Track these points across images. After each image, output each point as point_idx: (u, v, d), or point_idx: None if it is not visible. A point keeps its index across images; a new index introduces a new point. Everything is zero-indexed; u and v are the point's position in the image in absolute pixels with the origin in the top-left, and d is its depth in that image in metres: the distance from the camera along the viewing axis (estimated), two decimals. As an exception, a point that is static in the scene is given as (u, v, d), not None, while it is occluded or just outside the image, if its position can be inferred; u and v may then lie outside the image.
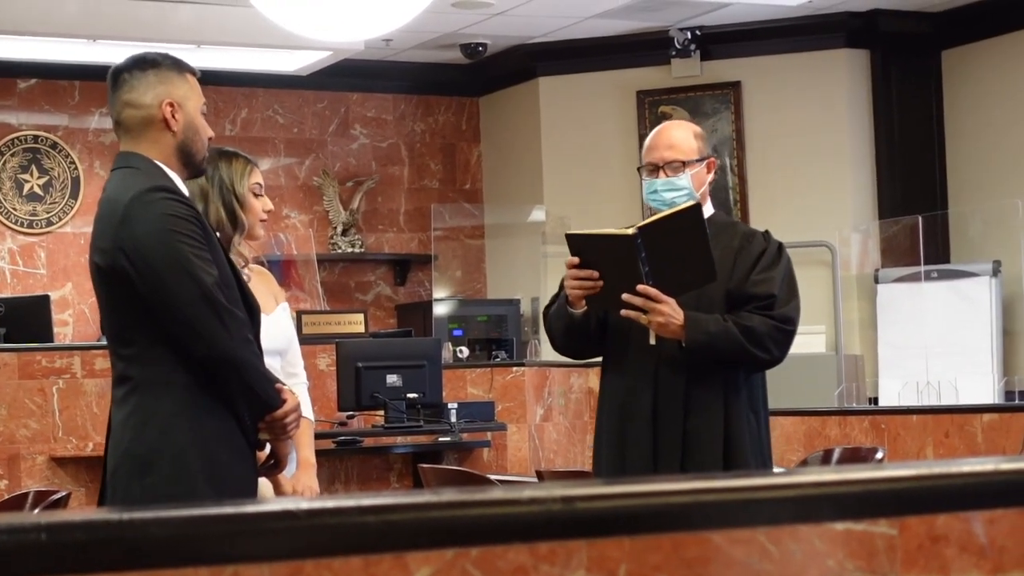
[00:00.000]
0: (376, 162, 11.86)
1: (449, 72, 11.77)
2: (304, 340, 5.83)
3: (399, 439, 7.71)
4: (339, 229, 11.61)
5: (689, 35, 10.80)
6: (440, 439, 7.65)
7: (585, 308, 4.33)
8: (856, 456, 6.03)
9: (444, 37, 10.85)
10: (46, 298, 8.71)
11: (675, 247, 4.20)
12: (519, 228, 11.61)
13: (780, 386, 7.56)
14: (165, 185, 3.66)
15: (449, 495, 1.50)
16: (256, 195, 4.45)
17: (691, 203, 4.30)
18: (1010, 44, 10.31)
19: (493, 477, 5.89)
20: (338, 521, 1.44)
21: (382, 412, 7.50)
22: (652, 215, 4.34)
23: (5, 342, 7.34)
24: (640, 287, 4.19)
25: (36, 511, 4.87)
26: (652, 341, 4.32)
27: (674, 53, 10.87)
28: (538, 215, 11.37)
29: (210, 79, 10.70)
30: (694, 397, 4.32)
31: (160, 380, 3.60)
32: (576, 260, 4.25)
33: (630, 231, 4.19)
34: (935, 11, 10.58)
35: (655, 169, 4.45)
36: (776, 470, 5.85)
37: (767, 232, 4.53)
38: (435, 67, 11.72)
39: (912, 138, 10.77)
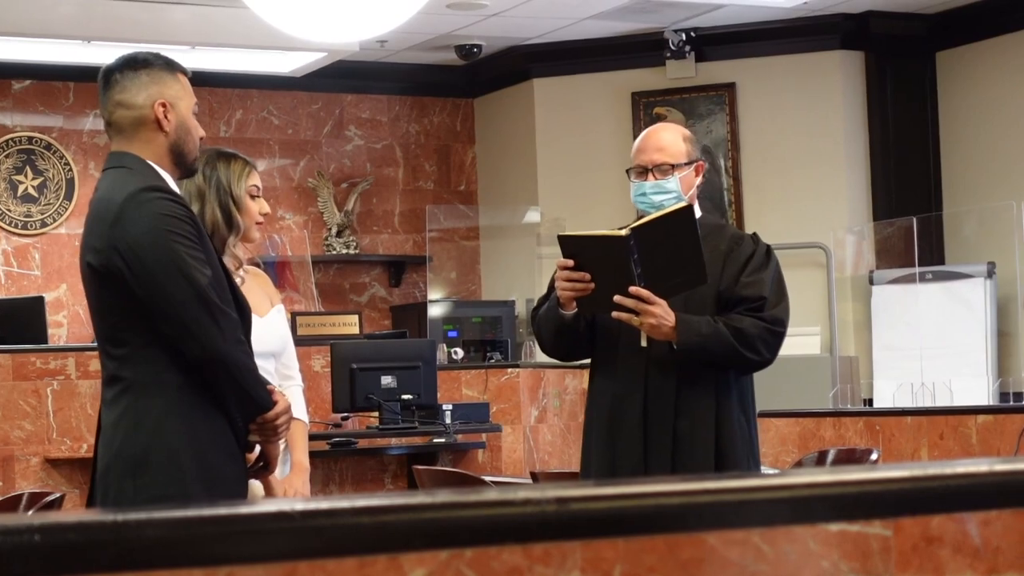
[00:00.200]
0: (371, 163, 11.86)
1: (444, 73, 11.78)
2: (299, 341, 5.82)
3: (394, 440, 7.71)
4: (334, 230, 11.61)
5: (684, 37, 10.81)
6: (435, 440, 7.66)
7: (576, 310, 4.33)
8: (851, 457, 6.03)
9: (439, 38, 10.85)
10: (40, 299, 8.71)
11: (667, 248, 4.20)
12: (514, 229, 11.61)
13: (775, 387, 7.58)
14: (159, 185, 3.66)
15: (443, 496, 1.50)
16: (253, 197, 4.44)
17: (683, 204, 4.30)
18: (1004, 46, 10.32)
19: (488, 478, 5.90)
20: (333, 522, 1.43)
21: (377, 413, 7.51)
22: (643, 217, 4.34)
23: (-1, 343, 7.34)
24: (632, 288, 4.19)
25: (30, 512, 4.87)
26: (643, 343, 4.32)
27: (669, 55, 10.88)
28: (533, 216, 11.37)
29: (205, 80, 10.74)
30: (685, 399, 4.32)
31: (152, 381, 3.60)
32: (569, 262, 4.24)
33: (623, 232, 4.19)
34: (929, 13, 10.59)
35: (644, 171, 4.46)
36: (768, 471, 5.86)
37: (755, 234, 4.55)
38: (430, 68, 11.72)
39: (906, 139, 10.77)
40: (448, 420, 7.55)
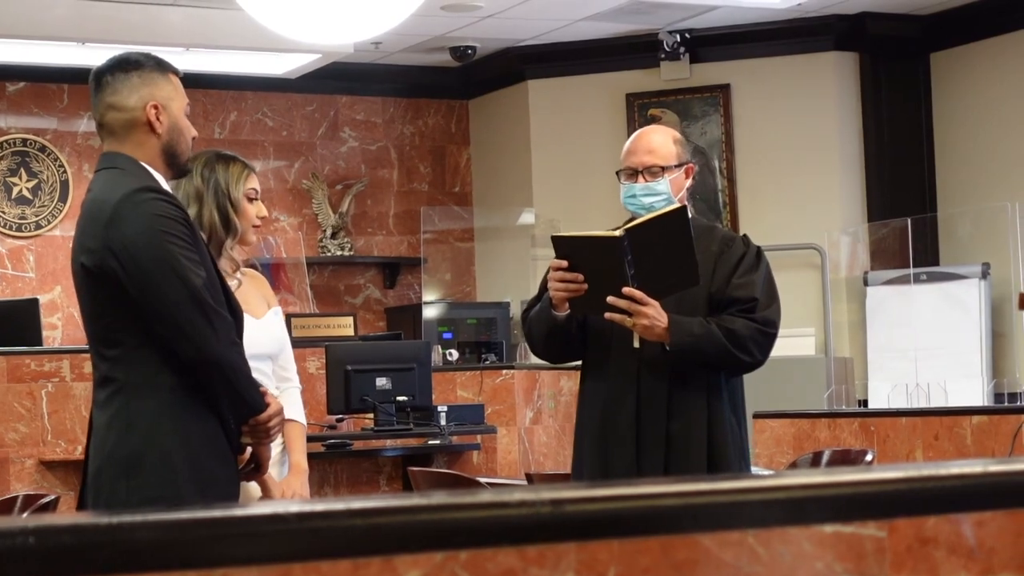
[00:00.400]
0: (365, 165, 11.86)
1: (438, 75, 11.78)
2: (293, 343, 5.80)
3: (388, 442, 7.71)
4: (328, 232, 11.60)
5: (678, 38, 10.81)
6: (430, 442, 7.65)
7: (568, 311, 4.32)
8: (846, 458, 6.04)
9: (433, 40, 10.85)
10: (35, 301, 8.70)
11: (661, 250, 4.21)
12: (509, 231, 11.61)
13: (770, 389, 7.60)
14: (153, 186, 3.66)
15: (438, 498, 1.50)
16: (251, 200, 4.43)
17: (677, 206, 4.30)
18: (999, 47, 10.33)
19: (483, 480, 5.90)
20: (327, 524, 1.43)
21: (371, 415, 7.51)
22: (635, 218, 4.35)
23: (-6, 345, 7.33)
24: (626, 289, 4.19)
25: (25, 515, 4.87)
26: (636, 344, 4.32)
27: (663, 56, 10.88)
28: (527, 218, 11.38)
29: (199, 82, 10.74)
30: (677, 400, 4.33)
31: (145, 382, 3.60)
32: (562, 263, 4.24)
33: (617, 233, 4.20)
34: (924, 14, 10.60)
35: (633, 173, 4.46)
36: (760, 471, 5.86)
37: (746, 236, 4.56)
38: (424, 70, 11.72)
39: (901, 140, 10.78)
40: (443, 422, 7.55)
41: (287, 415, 4.50)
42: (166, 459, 3.58)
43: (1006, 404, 9.23)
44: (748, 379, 4.58)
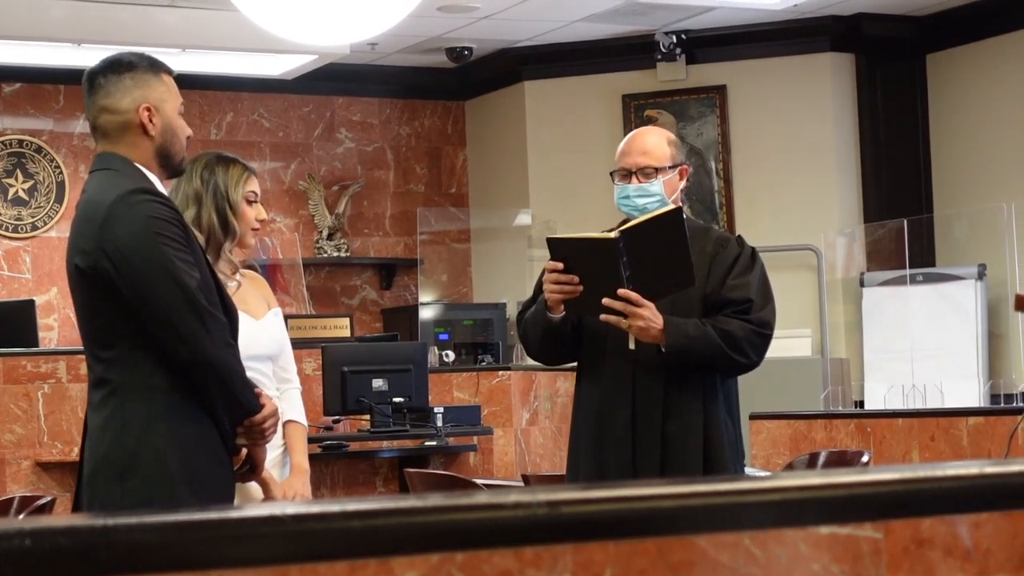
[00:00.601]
0: (362, 166, 11.86)
1: (435, 76, 11.78)
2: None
3: (385, 443, 7.71)
4: (325, 233, 11.60)
5: (674, 39, 10.81)
6: (426, 443, 7.65)
7: (564, 313, 4.32)
8: (842, 460, 6.04)
9: (430, 41, 10.85)
10: (31, 303, 8.70)
11: (656, 251, 4.20)
12: (505, 232, 11.61)
13: (766, 390, 7.59)
14: (147, 187, 3.65)
15: (434, 500, 1.50)
16: (250, 203, 4.43)
17: (672, 207, 4.30)
18: (995, 48, 10.33)
19: (479, 481, 5.90)
20: (323, 526, 1.43)
21: (368, 416, 7.50)
22: (629, 220, 4.34)
23: (-10, 347, 7.33)
24: (621, 291, 4.19)
25: (21, 517, 4.86)
26: (631, 346, 4.32)
27: (659, 57, 10.88)
28: (524, 219, 11.37)
29: (195, 83, 10.73)
30: (673, 401, 4.32)
31: (140, 384, 3.59)
32: (558, 265, 4.24)
33: (612, 234, 4.19)
34: (920, 15, 10.60)
35: (628, 174, 4.46)
36: (755, 472, 5.86)
37: (740, 237, 4.55)
38: (421, 71, 11.72)
39: (897, 141, 10.79)
40: (439, 423, 7.55)
41: (288, 416, 4.51)
42: (160, 461, 3.58)
43: (1002, 405, 9.22)
44: (744, 380, 4.58)
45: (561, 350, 4.49)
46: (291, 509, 1.44)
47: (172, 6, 9.46)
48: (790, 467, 6.22)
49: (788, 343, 9.78)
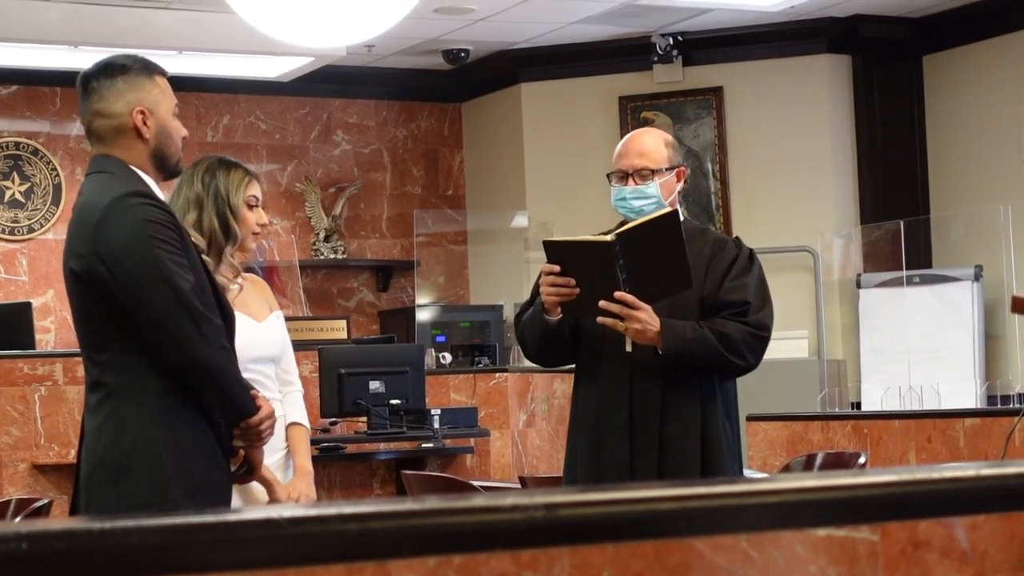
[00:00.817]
0: (358, 168, 11.86)
1: (431, 78, 11.78)
2: (287, 346, 5.82)
3: (382, 445, 7.71)
4: (321, 235, 11.60)
5: (671, 41, 10.81)
6: (423, 445, 7.65)
7: (560, 315, 4.32)
8: (839, 461, 6.04)
9: (426, 43, 10.85)
10: (28, 305, 8.70)
11: (652, 254, 4.20)
12: (502, 234, 11.61)
13: (763, 391, 7.59)
14: (141, 190, 3.64)
15: (431, 503, 1.50)
16: (251, 207, 4.43)
17: (668, 210, 4.30)
18: (991, 49, 10.34)
19: (476, 483, 5.89)
20: (320, 529, 1.43)
21: (365, 418, 7.50)
22: (626, 222, 4.34)
23: (-13, 349, 7.33)
24: (618, 294, 4.19)
25: (18, 519, 4.86)
26: (628, 348, 4.31)
27: (656, 59, 10.88)
28: (520, 221, 11.37)
29: (192, 85, 10.72)
30: (670, 404, 4.32)
31: (135, 386, 3.59)
32: (555, 267, 4.24)
33: (608, 237, 4.19)
34: (916, 17, 10.61)
35: (624, 176, 4.46)
36: (753, 474, 5.86)
37: (738, 238, 4.54)
38: (417, 73, 11.72)
39: (894, 143, 10.79)
40: (436, 425, 7.54)
41: (291, 419, 4.52)
42: (156, 464, 3.57)
43: (999, 406, 9.23)
44: (741, 382, 4.57)
45: (559, 352, 4.49)
46: (288, 512, 1.44)
47: (168, 8, 9.46)
48: (787, 469, 6.23)
49: (785, 344, 9.79)
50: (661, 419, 4.31)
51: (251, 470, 3.89)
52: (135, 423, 3.58)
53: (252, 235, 4.45)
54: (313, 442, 7.38)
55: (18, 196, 10.80)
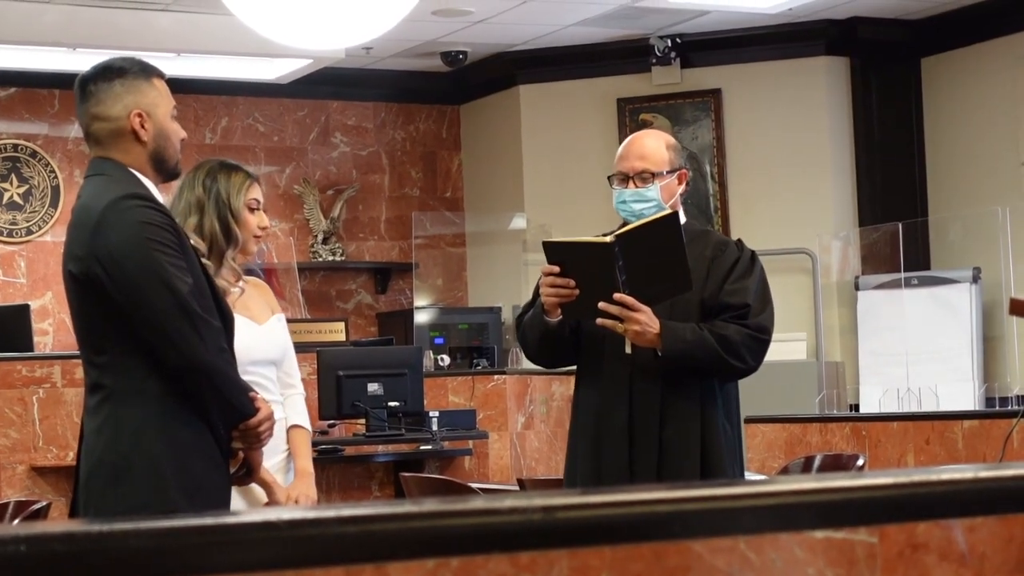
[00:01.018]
0: (357, 170, 11.86)
1: (429, 80, 11.78)
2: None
3: (380, 448, 7.71)
4: (320, 237, 11.61)
5: (669, 43, 10.82)
6: (421, 447, 7.65)
7: (560, 316, 4.32)
8: (837, 463, 6.04)
9: (424, 45, 10.85)
10: (26, 307, 8.70)
11: (652, 256, 4.20)
12: (500, 236, 11.61)
13: (761, 393, 7.59)
14: (139, 192, 3.64)
15: (429, 505, 1.50)
16: (252, 210, 4.43)
17: (668, 212, 4.29)
18: (989, 51, 10.34)
19: (475, 485, 5.89)
20: (318, 531, 1.43)
21: (363, 421, 7.50)
22: (627, 224, 4.34)
23: (-15, 351, 7.32)
24: (617, 295, 4.19)
25: (16, 522, 4.86)
26: (628, 350, 4.31)
27: (654, 61, 10.89)
28: (519, 223, 11.38)
29: (190, 87, 10.72)
30: (670, 406, 4.31)
31: (133, 389, 3.59)
32: (554, 268, 4.24)
33: (608, 239, 4.19)
34: (914, 19, 10.61)
35: (625, 179, 4.45)
36: (755, 477, 5.86)
37: (740, 241, 4.53)
38: (415, 75, 11.72)
39: (892, 145, 10.80)
40: (435, 427, 7.54)
41: (292, 421, 4.52)
42: (154, 466, 3.57)
43: (997, 408, 9.23)
44: (739, 384, 4.57)
45: (559, 353, 4.49)
46: (286, 514, 1.44)
47: (167, 10, 9.46)
48: (785, 471, 6.23)
49: (783, 347, 9.78)
50: (661, 421, 4.30)
51: (250, 472, 3.89)
52: (134, 425, 3.58)
53: (254, 238, 4.45)
54: (312, 444, 7.40)
55: (16, 198, 10.80)
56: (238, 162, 4.56)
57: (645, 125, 10.62)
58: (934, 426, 7.17)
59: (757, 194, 10.82)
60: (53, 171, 10.88)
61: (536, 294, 4.41)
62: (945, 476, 1.72)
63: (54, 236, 10.70)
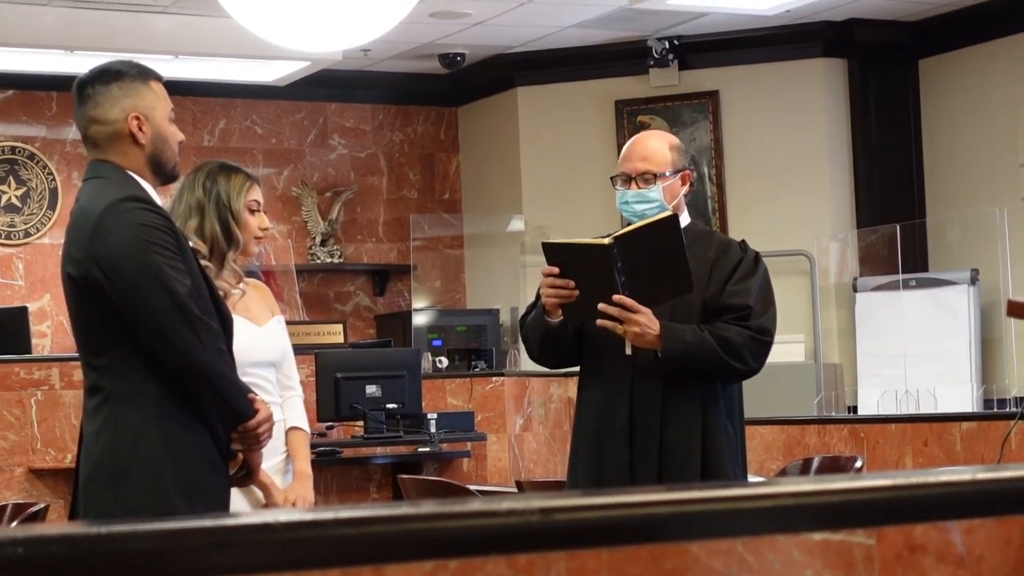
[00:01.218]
0: (355, 172, 11.86)
1: (427, 82, 11.78)
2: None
3: (379, 450, 7.70)
4: (318, 239, 11.60)
5: (667, 45, 10.82)
6: (420, 449, 7.65)
7: (561, 317, 4.32)
8: (835, 465, 6.03)
9: (422, 47, 10.85)
10: (24, 309, 8.69)
11: (651, 257, 4.19)
12: (498, 238, 11.61)
13: (759, 395, 7.58)
14: (138, 195, 3.64)
15: (427, 507, 1.50)
16: (252, 212, 4.43)
17: (668, 214, 4.29)
18: (987, 53, 10.35)
19: (473, 487, 5.89)
20: (317, 533, 1.43)
21: (361, 423, 7.49)
22: (628, 225, 4.34)
23: (-17, 354, 7.32)
24: (616, 297, 4.18)
25: (14, 524, 4.86)
26: (628, 351, 4.31)
27: (652, 63, 10.89)
28: (517, 225, 11.38)
29: (188, 89, 10.72)
30: (671, 408, 4.31)
31: (132, 391, 3.59)
32: (554, 269, 4.24)
33: (606, 240, 4.19)
34: (912, 20, 10.62)
35: (628, 180, 4.45)
36: (755, 479, 5.86)
37: (743, 242, 4.52)
38: (413, 77, 11.72)
39: (890, 147, 10.80)
40: (433, 429, 7.54)
41: (291, 423, 4.52)
42: (153, 468, 3.57)
43: (995, 410, 9.23)
44: (742, 386, 4.57)
45: (562, 354, 4.48)
46: (284, 516, 1.44)
47: (165, 12, 9.46)
48: (783, 473, 6.22)
49: (781, 348, 9.76)
50: (661, 422, 4.30)
51: (249, 473, 3.89)
52: (133, 427, 3.58)
53: (254, 239, 4.45)
54: (310, 446, 7.40)
55: (14, 200, 10.80)
56: (237, 163, 4.55)
57: (643, 127, 10.62)
58: (932, 428, 7.17)
59: (755, 196, 10.83)
60: (51, 173, 10.88)
61: (539, 295, 4.41)
62: (943, 478, 1.72)
63: (52, 238, 10.69)
